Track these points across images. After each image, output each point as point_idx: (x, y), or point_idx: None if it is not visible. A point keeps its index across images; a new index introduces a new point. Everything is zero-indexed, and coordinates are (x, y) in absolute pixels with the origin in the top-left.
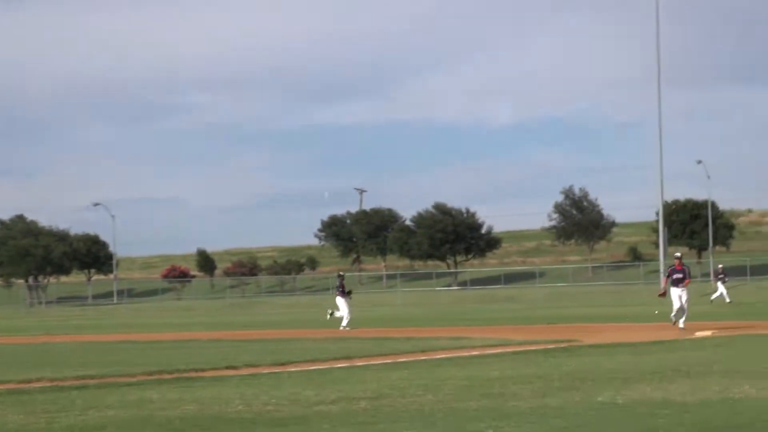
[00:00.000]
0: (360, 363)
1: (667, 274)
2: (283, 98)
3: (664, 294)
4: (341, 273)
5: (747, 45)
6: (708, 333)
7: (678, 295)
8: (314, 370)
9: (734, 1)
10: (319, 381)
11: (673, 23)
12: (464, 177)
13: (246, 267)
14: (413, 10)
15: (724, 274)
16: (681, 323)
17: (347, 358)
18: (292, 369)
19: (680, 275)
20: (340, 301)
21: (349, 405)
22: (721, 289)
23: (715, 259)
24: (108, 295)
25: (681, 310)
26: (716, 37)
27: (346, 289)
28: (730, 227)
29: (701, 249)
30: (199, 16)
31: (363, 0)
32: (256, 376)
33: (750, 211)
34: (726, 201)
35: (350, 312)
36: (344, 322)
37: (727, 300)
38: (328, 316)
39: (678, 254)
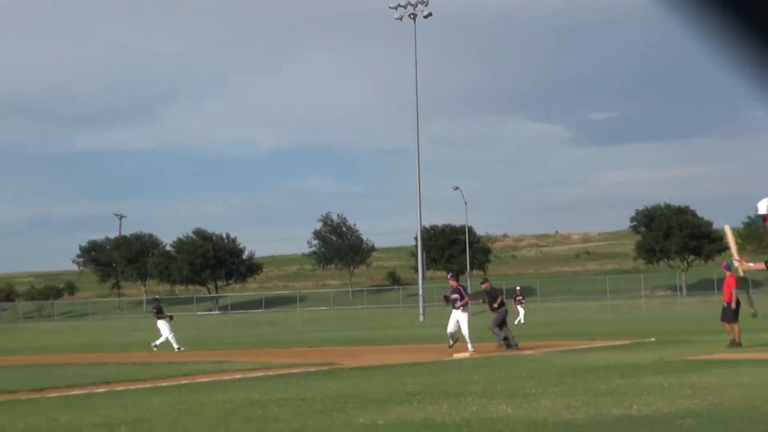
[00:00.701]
0: (120, 387)
1: (444, 296)
2: (42, 123)
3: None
4: (157, 297)
5: (504, 77)
6: (466, 354)
7: (455, 319)
8: (73, 395)
9: (491, 36)
10: (78, 406)
11: (433, 54)
12: (226, 203)
13: (2, 293)
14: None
15: (522, 296)
16: (469, 346)
17: (107, 382)
18: (51, 395)
19: (456, 295)
20: (161, 324)
21: (109, 430)
22: (521, 311)
23: (472, 282)
24: None
25: (455, 333)
26: (474, 69)
27: (165, 313)
28: (487, 252)
29: (459, 273)
30: None
31: (128, 27)
32: (13, 402)
33: (505, 236)
34: (482, 227)
35: (172, 331)
36: (174, 345)
37: (522, 322)
38: (154, 348)
39: (450, 273)
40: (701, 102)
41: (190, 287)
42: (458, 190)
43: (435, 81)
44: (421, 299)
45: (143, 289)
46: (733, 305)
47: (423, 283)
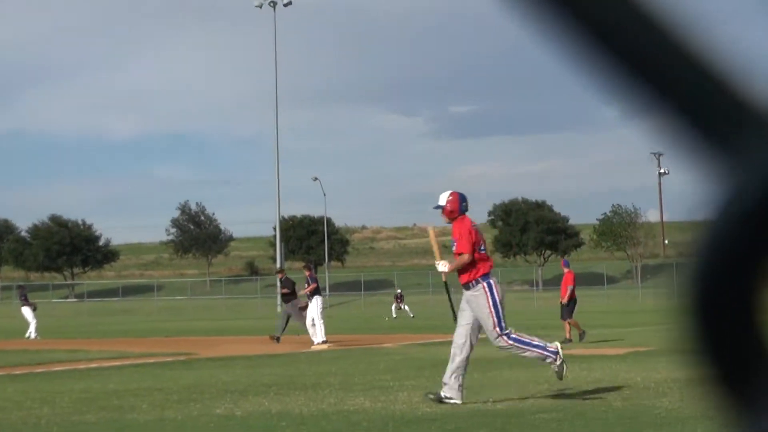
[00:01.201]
0: None
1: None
2: None
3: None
4: (22, 284)
5: (363, 69)
6: (324, 347)
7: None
8: None
9: (351, 27)
10: None
11: (293, 40)
12: (83, 190)
13: None
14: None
15: (401, 298)
16: (316, 339)
17: None
18: None
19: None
20: (25, 311)
21: None
22: (394, 308)
23: (331, 273)
24: None
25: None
26: (334, 60)
27: (31, 301)
28: (345, 243)
29: (317, 264)
30: None
31: None
32: None
33: (364, 227)
34: (341, 218)
35: (34, 319)
36: (32, 333)
37: (394, 316)
38: (32, 336)
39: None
40: (558, 98)
41: (46, 274)
42: (317, 181)
43: (295, 70)
44: (277, 290)
45: None
46: (564, 301)
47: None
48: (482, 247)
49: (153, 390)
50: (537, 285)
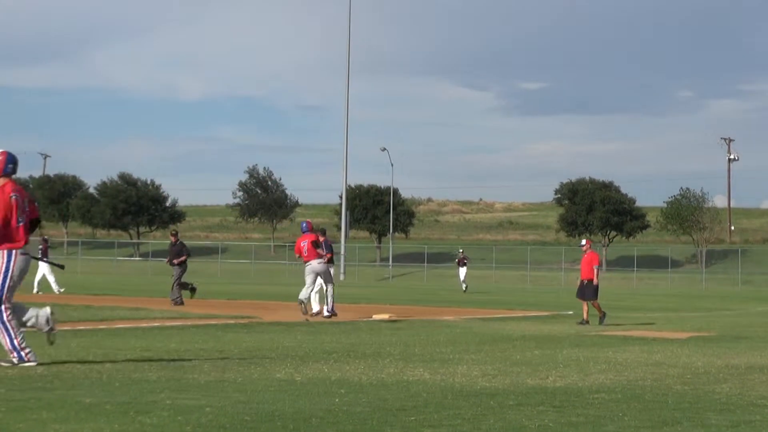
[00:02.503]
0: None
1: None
2: None
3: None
4: (46, 237)
5: (435, 38)
6: (385, 316)
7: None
8: None
9: None
10: None
11: (366, 9)
12: (152, 149)
13: None
14: None
15: (466, 259)
16: (324, 310)
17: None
18: None
19: (321, 250)
20: (44, 266)
21: (25, 370)
22: (462, 273)
23: (394, 244)
24: None
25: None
26: (407, 28)
27: (49, 256)
28: (411, 215)
29: (381, 234)
30: None
31: None
32: None
33: (430, 200)
34: (407, 189)
35: (45, 273)
36: (55, 286)
37: (464, 288)
38: (58, 291)
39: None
40: (630, 78)
41: (112, 232)
42: (385, 151)
43: (367, 38)
44: (342, 258)
45: (65, 230)
46: (596, 281)
47: (345, 242)
48: (20, 220)
49: (214, 351)
50: (600, 265)
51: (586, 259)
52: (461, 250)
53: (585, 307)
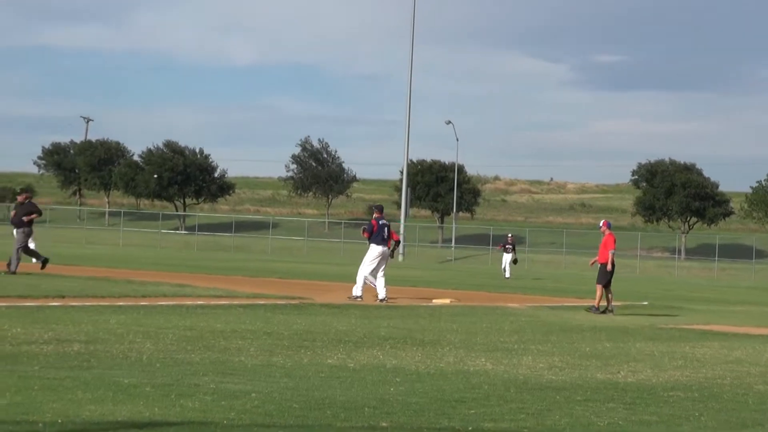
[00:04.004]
0: (74, 303)
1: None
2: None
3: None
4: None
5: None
6: (446, 301)
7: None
8: (24, 306)
9: None
10: (29, 318)
11: None
12: (200, 117)
13: None
14: None
15: (512, 244)
16: (381, 294)
17: (60, 296)
18: (1, 304)
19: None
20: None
21: (61, 347)
22: (506, 259)
23: (457, 225)
24: None
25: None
26: None
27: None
28: (476, 193)
29: (444, 214)
30: None
31: None
32: None
33: (497, 178)
34: (473, 166)
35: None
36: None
37: (506, 275)
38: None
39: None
40: (718, 53)
41: (156, 203)
42: (450, 125)
43: (432, 3)
44: (402, 238)
45: (106, 199)
46: (609, 267)
47: (405, 220)
48: None
49: (262, 333)
50: (679, 253)
51: (603, 242)
52: (510, 235)
53: (605, 294)
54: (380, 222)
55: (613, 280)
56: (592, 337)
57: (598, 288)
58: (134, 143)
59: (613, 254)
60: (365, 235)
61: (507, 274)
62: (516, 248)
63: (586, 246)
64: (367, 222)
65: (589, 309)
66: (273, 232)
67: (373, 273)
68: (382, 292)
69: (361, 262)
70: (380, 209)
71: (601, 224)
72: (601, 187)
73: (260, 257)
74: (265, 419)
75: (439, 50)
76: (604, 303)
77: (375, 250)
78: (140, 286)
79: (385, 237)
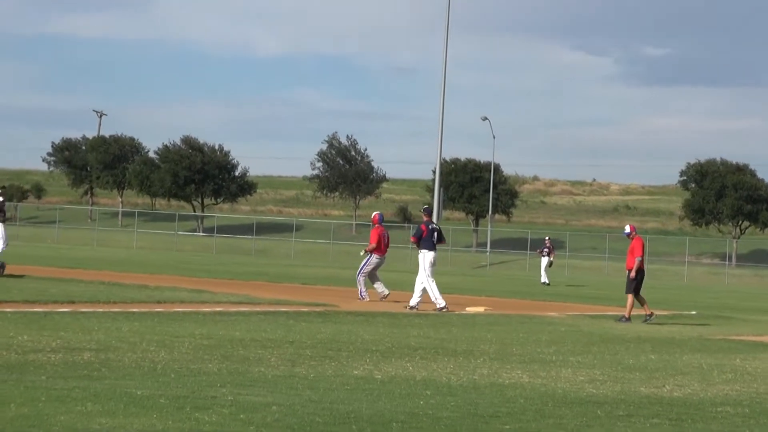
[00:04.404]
0: (85, 309)
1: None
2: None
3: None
4: (4, 186)
5: None
6: (480, 309)
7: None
8: (32, 312)
9: None
10: (37, 325)
11: None
12: (220, 111)
13: None
14: None
15: (550, 248)
16: (415, 301)
17: (70, 302)
18: (7, 309)
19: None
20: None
21: (70, 355)
22: (543, 263)
23: (493, 228)
24: None
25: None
26: None
27: (7, 213)
28: (513, 195)
29: (479, 216)
30: None
31: None
32: None
33: (536, 178)
34: (511, 165)
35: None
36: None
37: (542, 280)
38: None
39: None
40: None
41: (173, 202)
42: (486, 121)
43: None
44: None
45: (119, 199)
46: (633, 274)
47: (437, 223)
48: None
49: (284, 342)
50: (730, 259)
51: (630, 248)
52: (548, 238)
53: (637, 302)
54: (430, 226)
55: (654, 288)
56: (635, 349)
57: (629, 297)
58: (150, 139)
59: (640, 261)
60: (413, 240)
61: (544, 279)
62: (553, 252)
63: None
64: (414, 226)
65: (619, 319)
66: (296, 235)
67: (371, 274)
68: (383, 290)
69: (418, 272)
70: (429, 212)
71: (627, 228)
72: (647, 188)
73: (283, 261)
74: None
75: (476, 42)
76: (644, 311)
77: (429, 256)
78: (155, 292)
79: (434, 242)
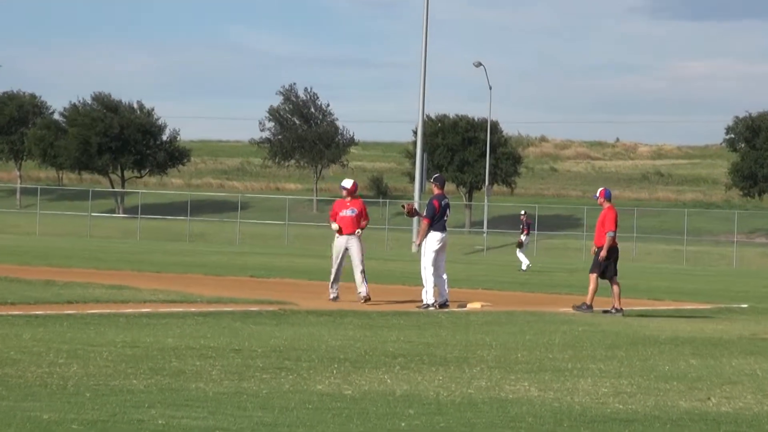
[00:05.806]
0: None
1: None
2: None
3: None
4: None
5: None
6: (477, 305)
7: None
8: None
9: None
10: None
11: None
12: (142, 59)
13: None
14: None
15: (528, 226)
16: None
17: None
18: None
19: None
20: None
21: None
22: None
23: (491, 203)
24: None
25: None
26: None
27: None
28: (517, 160)
29: (474, 188)
30: None
31: None
32: None
33: (544, 139)
34: (512, 123)
35: None
36: None
37: (522, 266)
38: None
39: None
40: None
41: (85, 176)
42: (481, 67)
43: None
44: (414, 220)
45: (17, 172)
46: (603, 254)
47: (421, 197)
48: None
49: (228, 351)
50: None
51: (600, 219)
52: (523, 212)
53: (614, 289)
54: (443, 202)
55: (695, 275)
56: (672, 352)
57: (591, 278)
58: (55, 97)
59: (613, 236)
60: (426, 221)
61: (525, 263)
62: (530, 229)
63: (663, 229)
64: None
65: (578, 307)
66: (242, 215)
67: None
68: (363, 288)
69: (421, 257)
70: (441, 182)
71: (597, 194)
72: (684, 150)
73: (225, 248)
74: None
75: None
76: (612, 301)
77: (435, 237)
78: (64, 289)
79: (446, 220)
